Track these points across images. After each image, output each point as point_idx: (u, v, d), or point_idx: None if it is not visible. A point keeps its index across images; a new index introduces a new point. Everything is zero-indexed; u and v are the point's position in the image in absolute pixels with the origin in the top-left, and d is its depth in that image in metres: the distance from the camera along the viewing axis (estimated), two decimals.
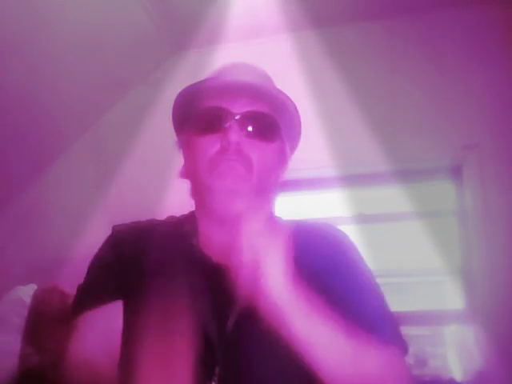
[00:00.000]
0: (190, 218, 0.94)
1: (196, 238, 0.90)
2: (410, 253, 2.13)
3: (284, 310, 0.72)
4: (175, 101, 0.92)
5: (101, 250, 0.93)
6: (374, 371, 0.78)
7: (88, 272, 0.91)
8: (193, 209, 0.96)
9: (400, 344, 0.84)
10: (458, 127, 1.98)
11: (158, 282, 0.84)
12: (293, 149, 0.97)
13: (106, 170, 2.28)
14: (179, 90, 0.91)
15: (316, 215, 2.16)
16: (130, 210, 1.95)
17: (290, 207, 2.19)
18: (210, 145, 0.86)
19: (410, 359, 1.80)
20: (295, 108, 0.90)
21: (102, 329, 0.83)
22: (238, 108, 0.86)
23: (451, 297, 2.13)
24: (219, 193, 0.84)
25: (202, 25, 2.14)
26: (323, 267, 0.85)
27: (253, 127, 0.86)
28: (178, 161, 0.96)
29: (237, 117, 0.85)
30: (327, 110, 2.10)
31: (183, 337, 0.80)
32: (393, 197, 2.17)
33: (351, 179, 2.13)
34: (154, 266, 0.86)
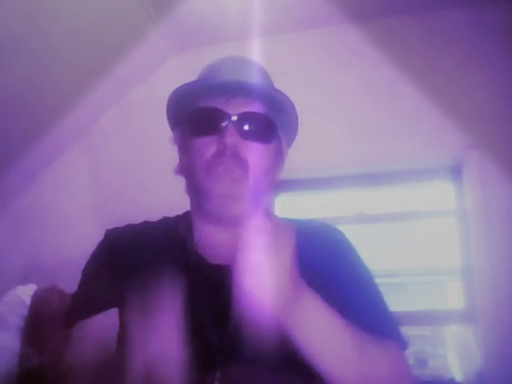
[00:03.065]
0: (185, 219, 0.93)
1: (191, 239, 0.90)
2: (409, 253, 2.13)
3: (286, 313, 0.71)
4: (169, 99, 0.91)
5: (94, 255, 0.91)
6: (377, 370, 0.78)
7: (81, 279, 0.90)
8: (188, 208, 0.95)
9: (399, 341, 0.84)
10: (458, 127, 1.97)
11: (154, 285, 0.84)
12: (289, 146, 0.97)
13: (105, 170, 2.28)
14: None
15: (316, 215, 2.16)
16: (128, 209, 1.94)
17: (289, 207, 2.19)
18: (206, 147, 0.85)
19: (409, 359, 1.80)
20: (293, 106, 0.89)
21: (97, 337, 0.82)
22: (234, 109, 0.85)
23: (451, 297, 2.13)
24: (215, 196, 0.84)
25: (202, 25, 2.14)
26: (322, 267, 0.85)
27: (249, 128, 0.85)
28: (176, 159, 0.95)
29: (233, 118, 0.84)
30: (327, 110, 2.10)
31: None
32: (393, 197, 2.17)
33: (351, 179, 2.13)
34: (149, 270, 0.85)
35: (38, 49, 1.87)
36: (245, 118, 0.85)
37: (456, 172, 2.02)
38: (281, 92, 0.88)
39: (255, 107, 0.86)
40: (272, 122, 0.88)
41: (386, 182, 2.13)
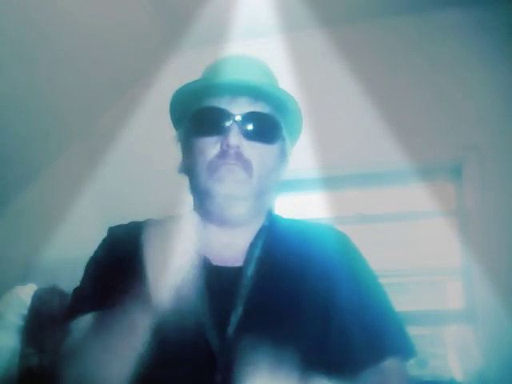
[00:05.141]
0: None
1: None
2: (409, 253, 2.13)
3: None
4: (173, 98, 0.90)
5: (97, 252, 0.91)
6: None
7: (84, 275, 0.89)
8: (191, 207, 0.95)
9: (406, 347, 0.83)
10: (458, 127, 1.97)
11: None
12: (293, 146, 0.95)
13: (105, 170, 2.27)
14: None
15: (316, 215, 2.16)
16: (128, 209, 1.94)
17: (290, 207, 2.19)
18: (210, 147, 0.84)
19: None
20: (298, 106, 0.88)
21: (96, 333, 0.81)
22: (238, 109, 0.84)
23: (451, 297, 2.13)
24: (219, 197, 0.83)
25: (202, 25, 2.14)
26: (326, 269, 0.84)
27: (253, 129, 0.84)
28: (177, 159, 0.95)
29: (237, 118, 0.83)
30: (326, 110, 2.10)
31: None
32: (393, 197, 2.17)
33: (351, 179, 2.13)
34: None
35: (38, 51, 1.87)
36: (249, 118, 0.84)
37: (456, 172, 2.02)
38: (286, 92, 0.86)
39: (260, 107, 0.85)
40: (277, 122, 0.87)
41: (386, 182, 2.13)
